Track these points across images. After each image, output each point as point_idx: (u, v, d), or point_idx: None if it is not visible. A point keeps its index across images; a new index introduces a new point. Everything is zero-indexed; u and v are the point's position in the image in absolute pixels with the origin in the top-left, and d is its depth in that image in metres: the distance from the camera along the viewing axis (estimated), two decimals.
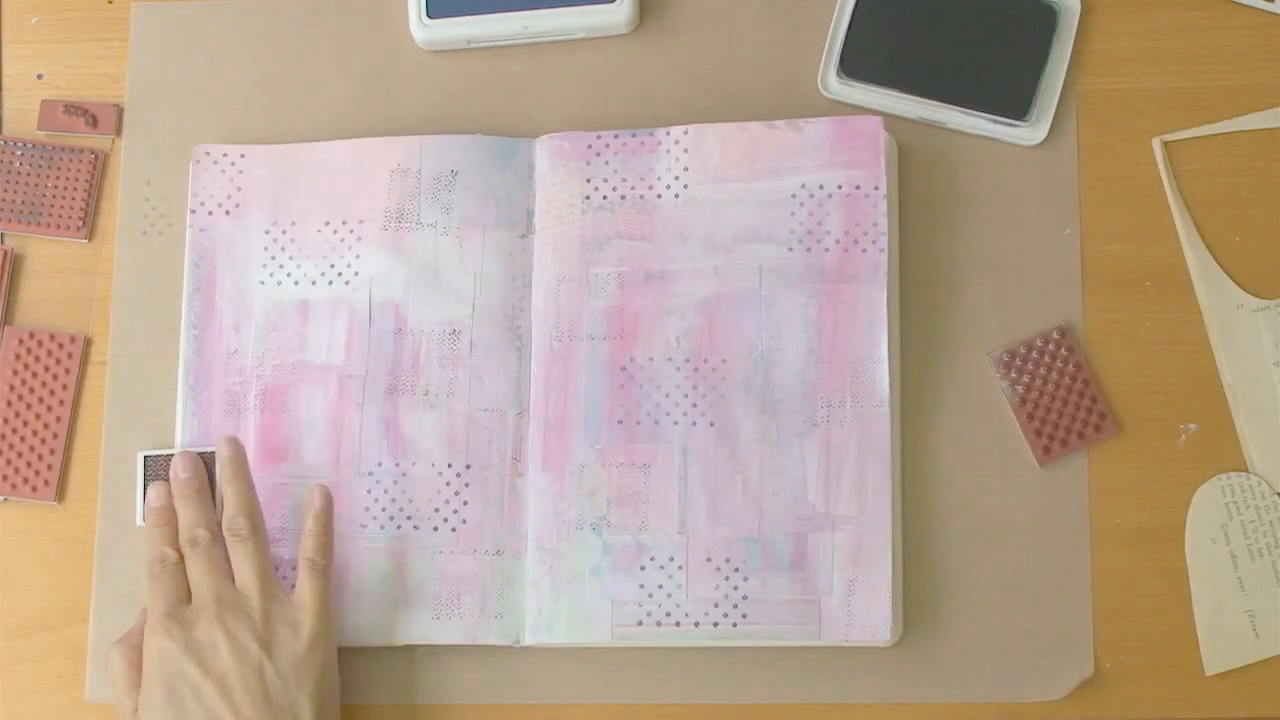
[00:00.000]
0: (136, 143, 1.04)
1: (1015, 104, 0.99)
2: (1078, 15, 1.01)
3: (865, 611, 0.94)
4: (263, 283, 1.00)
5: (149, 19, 1.06)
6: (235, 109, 1.04)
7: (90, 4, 1.06)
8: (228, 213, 1.01)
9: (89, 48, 1.06)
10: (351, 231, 1.01)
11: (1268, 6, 1.01)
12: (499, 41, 1.03)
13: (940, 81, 1.00)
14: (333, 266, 1.00)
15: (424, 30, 1.02)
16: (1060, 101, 1.00)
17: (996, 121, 1.00)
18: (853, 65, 1.00)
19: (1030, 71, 1.00)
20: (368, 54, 1.04)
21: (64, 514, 1.00)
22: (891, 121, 1.00)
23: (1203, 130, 1.00)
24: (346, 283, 1.00)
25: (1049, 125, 1.00)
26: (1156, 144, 1.00)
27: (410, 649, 0.97)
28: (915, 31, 1.00)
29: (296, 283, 1.00)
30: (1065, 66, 1.00)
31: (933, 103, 1.00)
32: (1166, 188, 0.99)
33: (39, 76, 1.06)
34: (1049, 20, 1.00)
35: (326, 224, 1.01)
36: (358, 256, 1.00)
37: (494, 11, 1.02)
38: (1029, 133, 1.00)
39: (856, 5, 1.01)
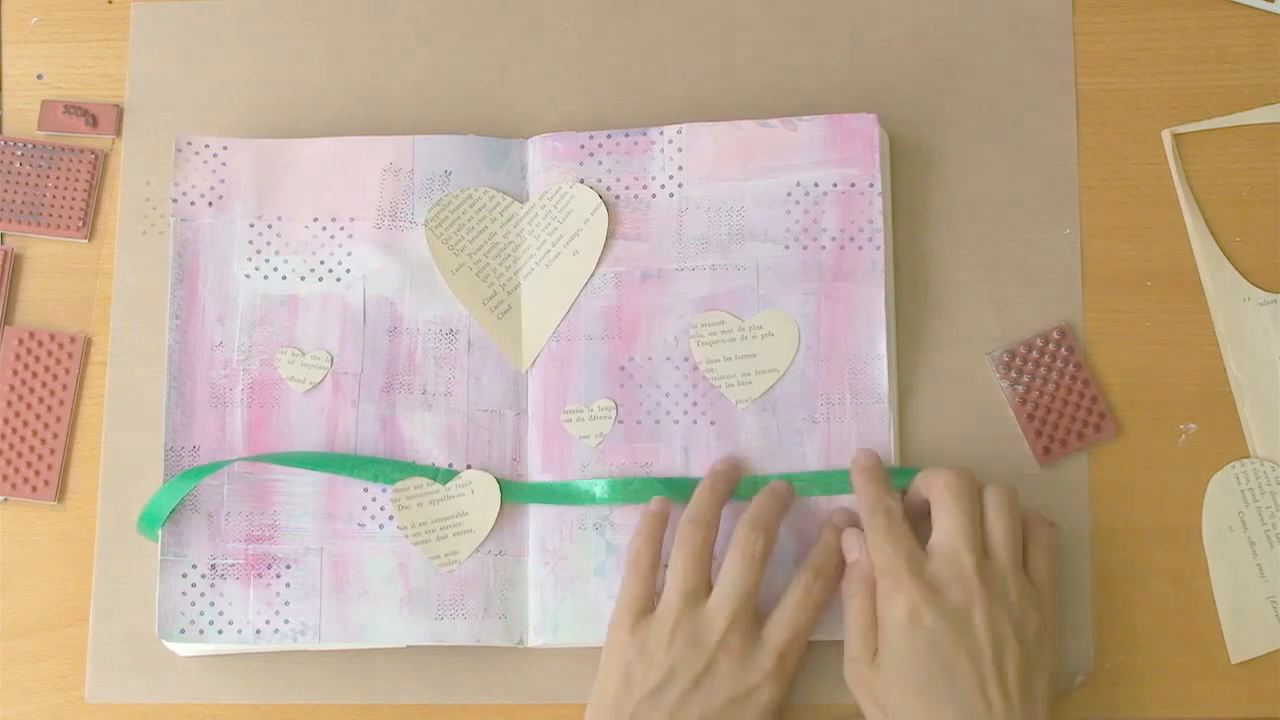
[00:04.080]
0: (136, 143, 1.04)
1: None
2: None
3: None
4: (248, 276, 1.00)
5: (149, 19, 1.06)
6: (235, 109, 1.04)
7: (90, 4, 1.07)
8: (210, 204, 1.01)
9: (89, 48, 1.06)
10: (342, 229, 1.01)
11: (1268, 6, 1.01)
12: None
13: None
14: (323, 263, 1.00)
15: None
16: (1060, 100, 1.00)
17: None
18: None
19: None
20: (366, 54, 1.05)
21: (64, 514, 1.01)
22: (886, 117, 1.00)
23: (1211, 124, 1.00)
24: (338, 280, 1.00)
25: None
26: (1166, 136, 1.00)
27: (413, 650, 0.97)
28: None
29: (284, 277, 1.00)
30: None
31: None
32: (1175, 181, 0.99)
33: (39, 76, 1.06)
34: None
35: (315, 220, 1.01)
36: (349, 254, 1.00)
37: None
38: None
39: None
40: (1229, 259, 0.98)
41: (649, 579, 0.93)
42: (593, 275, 0.99)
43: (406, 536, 0.96)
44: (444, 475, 0.97)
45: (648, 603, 0.92)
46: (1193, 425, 0.97)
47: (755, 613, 0.91)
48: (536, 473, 0.98)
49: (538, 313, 0.99)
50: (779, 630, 0.90)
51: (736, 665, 0.89)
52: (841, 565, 0.93)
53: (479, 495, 0.96)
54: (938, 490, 0.91)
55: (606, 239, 0.99)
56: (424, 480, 0.97)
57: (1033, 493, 0.96)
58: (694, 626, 0.90)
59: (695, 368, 0.97)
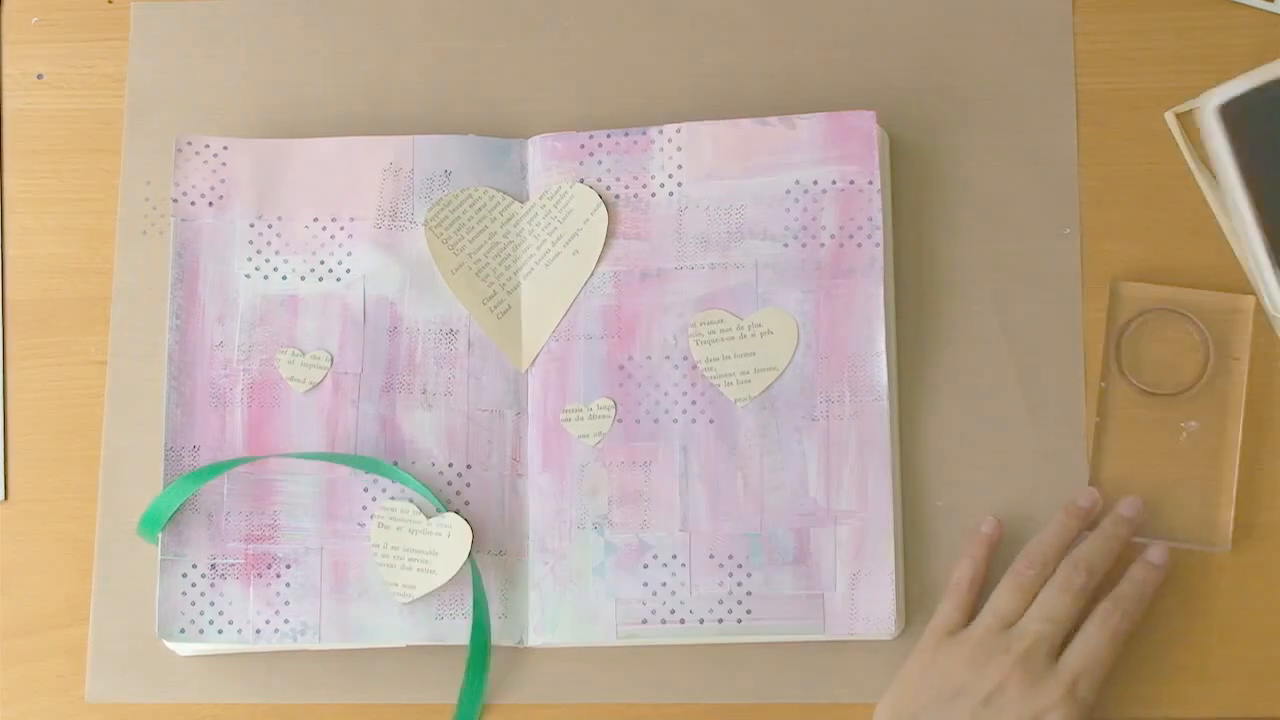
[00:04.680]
0: (136, 143, 1.04)
1: None
2: None
3: (869, 605, 0.94)
4: (248, 276, 1.00)
5: (149, 19, 1.06)
6: (235, 109, 1.05)
7: (90, 4, 1.07)
8: (210, 204, 1.01)
9: (89, 48, 1.06)
10: (342, 229, 1.01)
11: (1268, 6, 1.01)
12: None
13: None
14: (323, 263, 1.00)
15: None
16: (1060, 100, 1.00)
17: None
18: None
19: None
20: (367, 54, 1.05)
21: (64, 514, 1.00)
22: (886, 115, 1.00)
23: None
24: (338, 279, 1.00)
25: None
26: (1170, 117, 1.00)
27: (413, 649, 0.97)
28: None
29: (284, 277, 1.00)
30: None
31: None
32: (1186, 156, 0.99)
33: (39, 76, 1.06)
34: None
35: (315, 220, 1.01)
36: (349, 254, 1.00)
37: None
38: None
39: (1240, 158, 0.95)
40: None
41: (968, 599, 0.93)
42: (592, 274, 0.99)
43: (374, 553, 0.96)
44: (434, 503, 0.97)
45: (959, 623, 0.93)
46: (1194, 423, 0.97)
47: (1059, 644, 0.91)
48: (536, 472, 0.98)
49: (537, 312, 0.99)
50: (1073, 658, 0.90)
51: (1028, 688, 0.89)
52: (1146, 602, 0.93)
53: (452, 540, 0.96)
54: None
55: (606, 238, 0.99)
56: (412, 508, 0.97)
57: (1033, 492, 0.96)
58: (997, 645, 0.90)
59: (694, 366, 0.97)
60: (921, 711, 0.89)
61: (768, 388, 0.97)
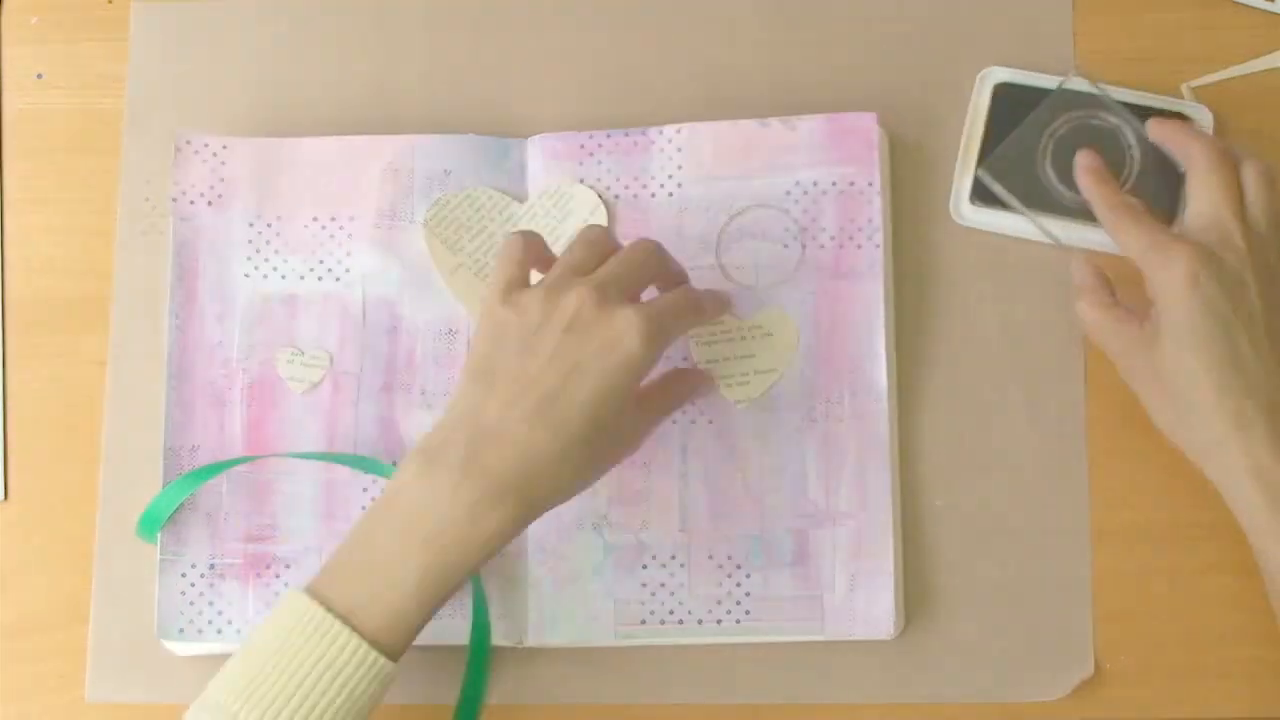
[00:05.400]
0: (137, 142, 1.04)
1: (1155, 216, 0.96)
2: (1210, 125, 0.99)
3: (868, 605, 0.94)
4: (247, 275, 1.00)
5: (149, 19, 1.06)
6: (235, 109, 1.04)
7: (90, 4, 1.07)
8: (209, 203, 1.01)
9: (89, 48, 1.06)
10: (341, 228, 1.01)
11: (1268, 6, 1.01)
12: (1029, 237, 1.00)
13: (1072, 200, 0.97)
14: (322, 263, 1.00)
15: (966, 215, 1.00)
16: None
17: None
18: (985, 192, 0.98)
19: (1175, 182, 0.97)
20: (367, 54, 1.05)
21: (64, 514, 1.00)
22: (886, 116, 1.00)
23: (1227, 73, 1.00)
24: (337, 279, 1.00)
25: None
26: (1185, 91, 1.00)
27: (413, 650, 0.96)
28: (1054, 153, 0.98)
29: (284, 277, 1.00)
30: None
31: (1065, 221, 0.98)
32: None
33: (39, 76, 1.06)
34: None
35: (314, 220, 1.01)
36: (349, 253, 1.00)
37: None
38: None
39: (989, 129, 1.00)
40: None
41: (524, 263, 0.90)
42: None
43: None
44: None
45: (523, 280, 0.90)
46: None
47: (633, 293, 0.90)
48: None
49: None
50: (647, 302, 0.89)
51: (604, 311, 0.86)
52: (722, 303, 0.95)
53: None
54: (1198, 160, 0.92)
55: None
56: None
57: (1032, 491, 0.96)
58: (570, 281, 0.88)
59: (693, 366, 0.97)
60: (503, 356, 0.87)
61: (768, 389, 0.97)
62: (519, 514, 0.85)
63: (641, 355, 0.86)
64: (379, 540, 0.85)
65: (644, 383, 0.89)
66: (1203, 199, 0.92)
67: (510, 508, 0.84)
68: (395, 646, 0.84)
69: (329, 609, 0.83)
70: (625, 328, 0.86)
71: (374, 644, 0.83)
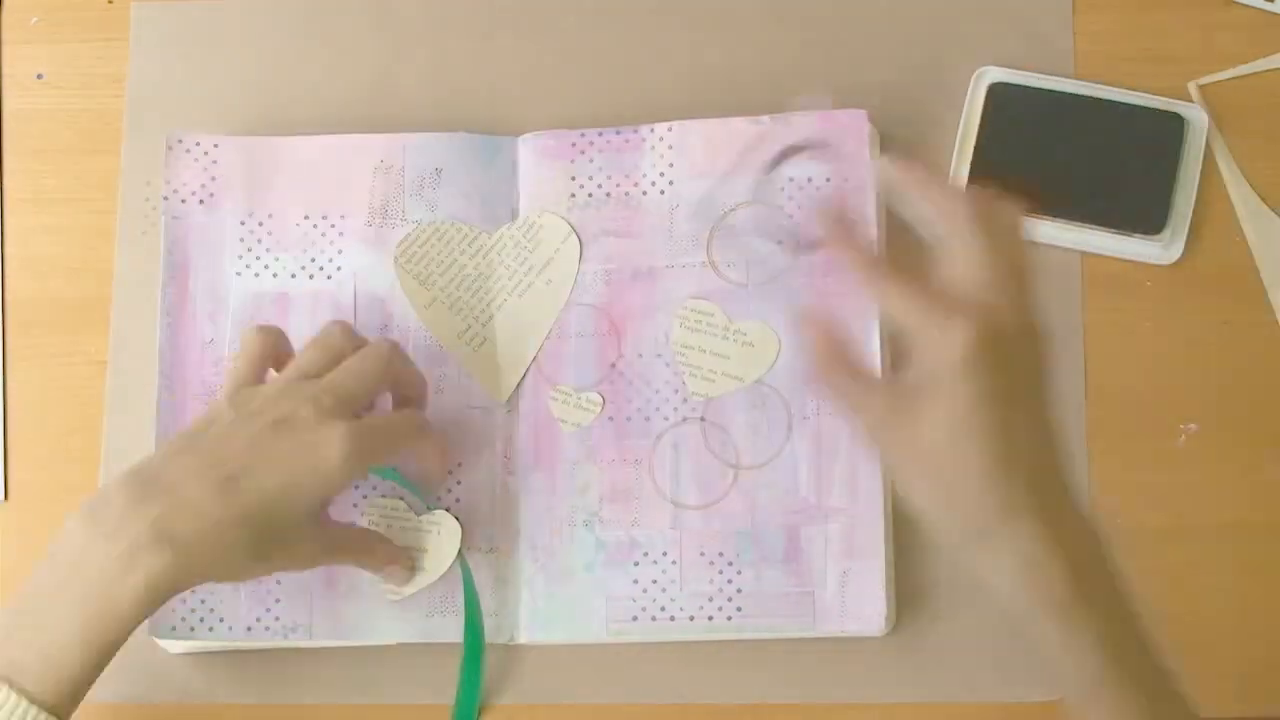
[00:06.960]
0: (136, 143, 1.04)
1: (1148, 219, 0.97)
2: (1206, 127, 0.99)
3: (859, 602, 0.94)
4: (239, 274, 1.00)
5: (149, 19, 1.06)
6: (235, 108, 1.05)
7: (90, 4, 1.07)
8: (201, 201, 1.01)
9: (89, 48, 1.06)
10: (333, 226, 1.01)
11: (1268, 6, 1.01)
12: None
13: (1067, 201, 0.97)
14: (313, 260, 1.01)
15: None
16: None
17: (1128, 238, 0.98)
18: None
19: (1162, 185, 0.97)
20: (367, 54, 1.05)
21: (64, 514, 1.00)
22: (881, 115, 1.00)
23: (1231, 72, 1.00)
24: (329, 277, 1.00)
25: (1184, 242, 0.98)
26: (1192, 88, 1.00)
27: (407, 648, 0.97)
28: (1040, 151, 0.99)
29: (275, 275, 1.00)
30: (1197, 179, 0.98)
31: (1062, 222, 0.98)
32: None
33: (39, 76, 1.06)
34: (1177, 130, 0.98)
35: (306, 218, 1.01)
36: (340, 251, 1.01)
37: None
38: (1163, 250, 0.98)
39: (983, 129, 1.00)
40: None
41: (260, 359, 0.92)
42: (576, 280, 0.99)
43: None
44: (425, 504, 0.97)
45: (254, 379, 0.91)
46: (1193, 425, 0.97)
47: (358, 404, 0.90)
48: (527, 469, 0.98)
49: (513, 343, 0.99)
50: (367, 423, 0.90)
51: (318, 416, 0.87)
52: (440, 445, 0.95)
53: (443, 537, 0.96)
54: (959, 215, 0.78)
55: (596, 237, 0.99)
56: (402, 505, 0.97)
57: None
58: (296, 389, 0.89)
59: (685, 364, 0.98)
60: (206, 436, 0.87)
61: (727, 394, 0.97)
62: (175, 568, 0.83)
63: (338, 470, 0.87)
64: (43, 593, 0.85)
65: (344, 526, 0.93)
66: (971, 259, 0.77)
67: (166, 558, 0.83)
68: (61, 704, 0.82)
69: None
70: (331, 441, 0.87)
71: (38, 703, 0.81)
